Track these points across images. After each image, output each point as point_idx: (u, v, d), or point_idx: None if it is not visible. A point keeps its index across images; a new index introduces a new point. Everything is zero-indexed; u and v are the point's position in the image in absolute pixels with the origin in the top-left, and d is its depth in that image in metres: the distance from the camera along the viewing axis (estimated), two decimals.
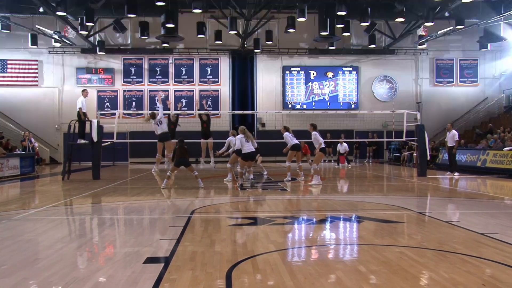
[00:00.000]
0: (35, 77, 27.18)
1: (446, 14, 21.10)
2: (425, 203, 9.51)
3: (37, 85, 27.23)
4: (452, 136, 15.73)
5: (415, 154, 18.97)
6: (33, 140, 22.14)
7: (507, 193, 11.08)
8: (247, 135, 12.16)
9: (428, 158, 16.93)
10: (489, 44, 26.65)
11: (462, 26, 21.61)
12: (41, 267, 4.42)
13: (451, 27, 22.96)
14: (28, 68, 27.13)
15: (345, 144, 22.28)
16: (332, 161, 25.38)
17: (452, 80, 29.01)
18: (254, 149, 12.22)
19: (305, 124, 25.46)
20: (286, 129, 13.76)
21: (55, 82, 27.34)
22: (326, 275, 4.11)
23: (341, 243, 5.67)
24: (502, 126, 21.76)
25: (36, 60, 27.06)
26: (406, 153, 23.00)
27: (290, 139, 13.37)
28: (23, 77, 27.10)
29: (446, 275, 4.04)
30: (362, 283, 3.84)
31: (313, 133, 12.76)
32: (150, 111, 16.22)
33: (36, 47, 24.83)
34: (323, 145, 12.64)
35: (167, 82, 27.81)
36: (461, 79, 28.99)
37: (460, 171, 16.23)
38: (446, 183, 13.60)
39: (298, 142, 13.67)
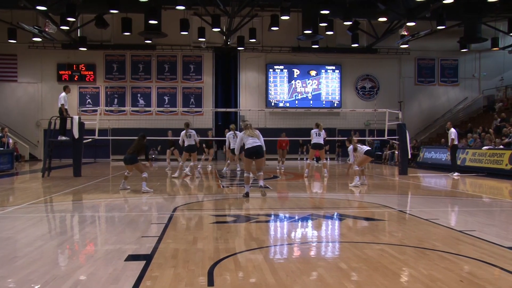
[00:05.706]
0: (14, 72, 26.72)
1: (428, 14, 21.35)
2: (406, 201, 9.64)
3: (16, 80, 26.77)
4: (449, 135, 15.59)
5: (396, 153, 19.16)
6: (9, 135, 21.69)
7: (485, 191, 11.29)
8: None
9: (409, 156, 17.13)
10: (469, 45, 27.11)
11: (443, 27, 21.91)
12: (20, 265, 4.36)
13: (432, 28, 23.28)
14: (7, 63, 26.64)
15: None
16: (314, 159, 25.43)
17: (433, 79, 29.42)
18: None
19: (287, 123, 25.84)
20: (351, 142, 12.19)
21: (35, 77, 26.90)
22: (308, 272, 4.14)
23: (322, 240, 5.72)
24: (481, 125, 22.13)
25: (15, 55, 26.58)
26: (388, 151, 23.23)
27: (360, 147, 11.95)
28: (2, 72, 26.61)
29: (425, 271, 4.10)
30: (343, 280, 3.87)
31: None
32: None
33: (15, 41, 24.35)
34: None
35: (150, 79, 27.59)
36: (442, 79, 29.41)
37: (440, 170, 16.45)
38: (426, 181, 13.80)
39: (369, 148, 12.39)
